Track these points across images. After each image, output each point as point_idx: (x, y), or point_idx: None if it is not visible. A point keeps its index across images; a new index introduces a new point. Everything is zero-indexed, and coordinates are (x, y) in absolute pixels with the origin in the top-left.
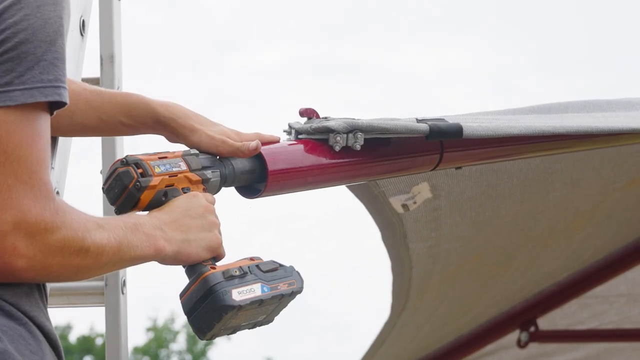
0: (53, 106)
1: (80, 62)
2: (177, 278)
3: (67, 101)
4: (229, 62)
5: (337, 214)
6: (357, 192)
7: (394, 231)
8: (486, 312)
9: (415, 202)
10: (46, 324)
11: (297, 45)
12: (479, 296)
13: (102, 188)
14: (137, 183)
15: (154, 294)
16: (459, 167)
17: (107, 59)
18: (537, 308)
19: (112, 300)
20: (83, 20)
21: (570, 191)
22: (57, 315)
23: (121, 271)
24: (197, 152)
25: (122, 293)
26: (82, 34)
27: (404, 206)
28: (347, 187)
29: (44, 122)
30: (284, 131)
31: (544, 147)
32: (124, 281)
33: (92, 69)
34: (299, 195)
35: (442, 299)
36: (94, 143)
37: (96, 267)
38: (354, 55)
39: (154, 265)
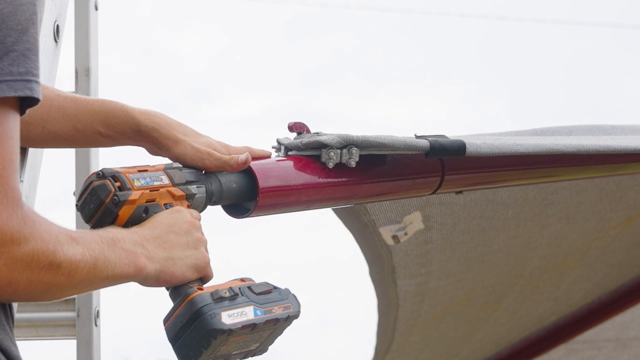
0: (24, 104)
1: (54, 71)
2: (150, 322)
3: (40, 97)
4: (204, 112)
5: (308, 265)
6: (346, 220)
7: (382, 265)
8: (471, 358)
9: (406, 234)
10: (13, 350)
11: (272, 95)
12: (464, 340)
13: (76, 205)
14: (115, 197)
15: (125, 342)
16: (460, 192)
17: (83, 73)
18: (523, 354)
19: (84, 333)
20: (57, 26)
21: (565, 226)
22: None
23: (94, 300)
24: (181, 165)
25: (96, 325)
26: (56, 40)
27: (394, 237)
28: (337, 214)
29: (13, 121)
30: (273, 147)
31: (547, 173)
32: (97, 312)
33: (66, 83)
34: (267, 244)
35: (427, 342)
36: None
37: (69, 285)
38: (330, 105)
39: (123, 309)
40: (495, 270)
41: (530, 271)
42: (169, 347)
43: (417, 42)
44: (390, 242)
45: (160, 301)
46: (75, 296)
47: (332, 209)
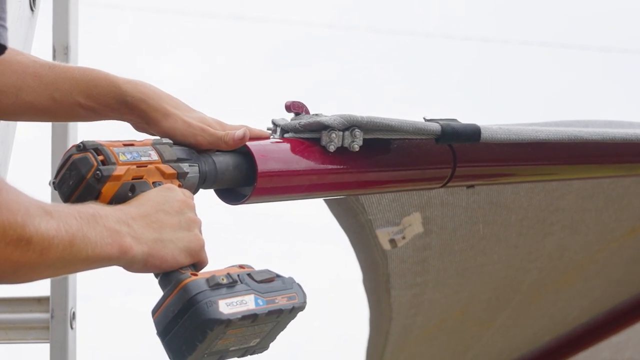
0: None
1: (29, 42)
2: (131, 325)
3: (7, 44)
4: None
5: None
6: (342, 220)
7: (377, 272)
8: None
9: (404, 237)
10: None
11: (255, 124)
12: (456, 359)
13: (53, 182)
14: (97, 172)
15: (102, 346)
16: (471, 186)
17: (61, 51)
18: None
19: (58, 336)
20: None
21: (568, 236)
22: None
23: (70, 301)
24: (171, 142)
25: (71, 327)
26: (32, 9)
27: (392, 241)
28: (333, 212)
29: None
30: (268, 129)
31: (563, 170)
32: (74, 313)
33: None
34: None
35: None
36: None
37: (41, 265)
38: None
39: (101, 311)
40: (493, 283)
41: (528, 285)
42: (153, 351)
43: (402, 66)
44: (387, 246)
45: (144, 300)
46: (49, 296)
47: (329, 206)
